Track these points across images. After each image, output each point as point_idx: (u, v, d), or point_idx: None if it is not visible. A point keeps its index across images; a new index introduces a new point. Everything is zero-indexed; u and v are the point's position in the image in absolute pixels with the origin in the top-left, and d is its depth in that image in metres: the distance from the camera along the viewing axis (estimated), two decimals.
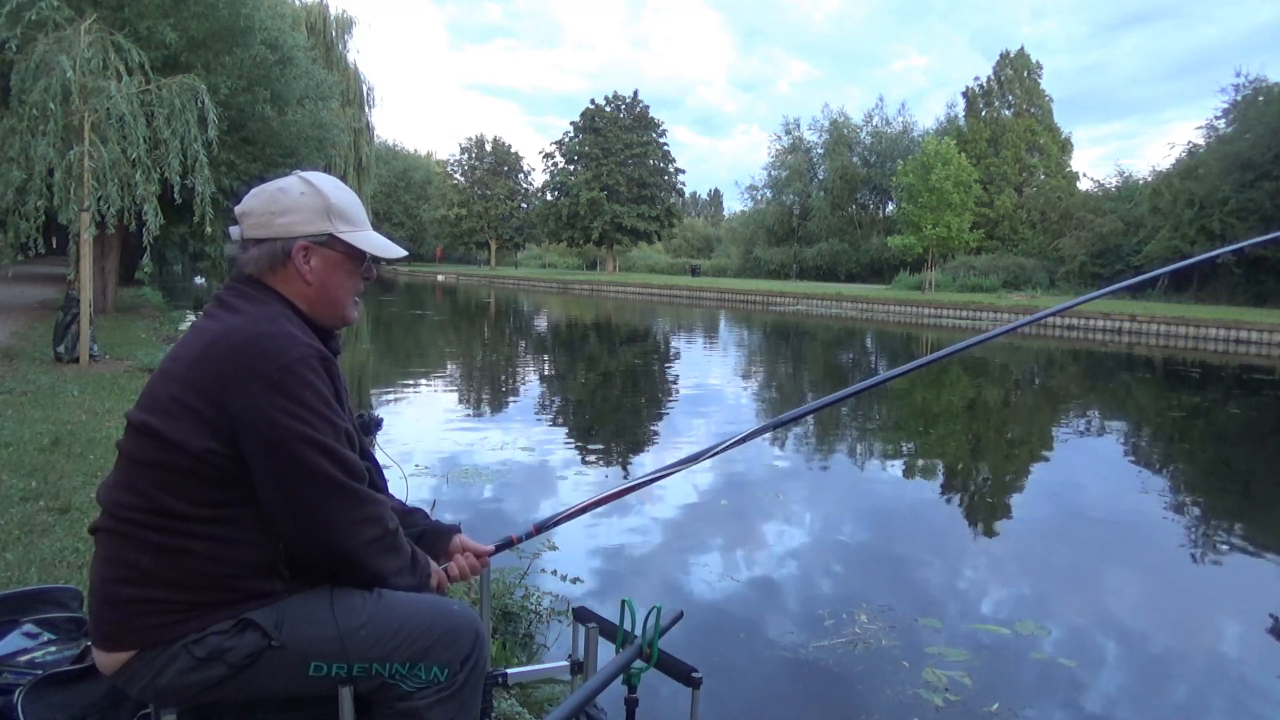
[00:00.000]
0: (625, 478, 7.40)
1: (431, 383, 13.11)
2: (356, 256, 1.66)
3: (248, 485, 1.45)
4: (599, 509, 2.11)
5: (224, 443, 1.42)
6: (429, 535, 1.87)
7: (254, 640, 1.45)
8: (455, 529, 1.91)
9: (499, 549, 1.94)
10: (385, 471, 1.80)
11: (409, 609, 1.56)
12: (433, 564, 1.71)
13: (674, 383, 14.10)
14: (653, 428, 9.96)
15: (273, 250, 1.58)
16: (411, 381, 12.96)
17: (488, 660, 1.64)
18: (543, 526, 2.02)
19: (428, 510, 1.96)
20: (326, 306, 1.64)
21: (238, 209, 1.64)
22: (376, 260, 1.71)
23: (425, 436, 8.44)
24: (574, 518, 2.02)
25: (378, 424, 1.95)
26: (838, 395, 2.24)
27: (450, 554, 1.86)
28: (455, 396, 11.97)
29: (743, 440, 2.07)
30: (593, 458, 8.18)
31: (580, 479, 7.11)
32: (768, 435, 9.67)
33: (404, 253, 1.80)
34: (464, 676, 1.57)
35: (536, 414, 10.40)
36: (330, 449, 1.47)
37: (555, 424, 9.86)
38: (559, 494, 6.58)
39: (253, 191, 1.64)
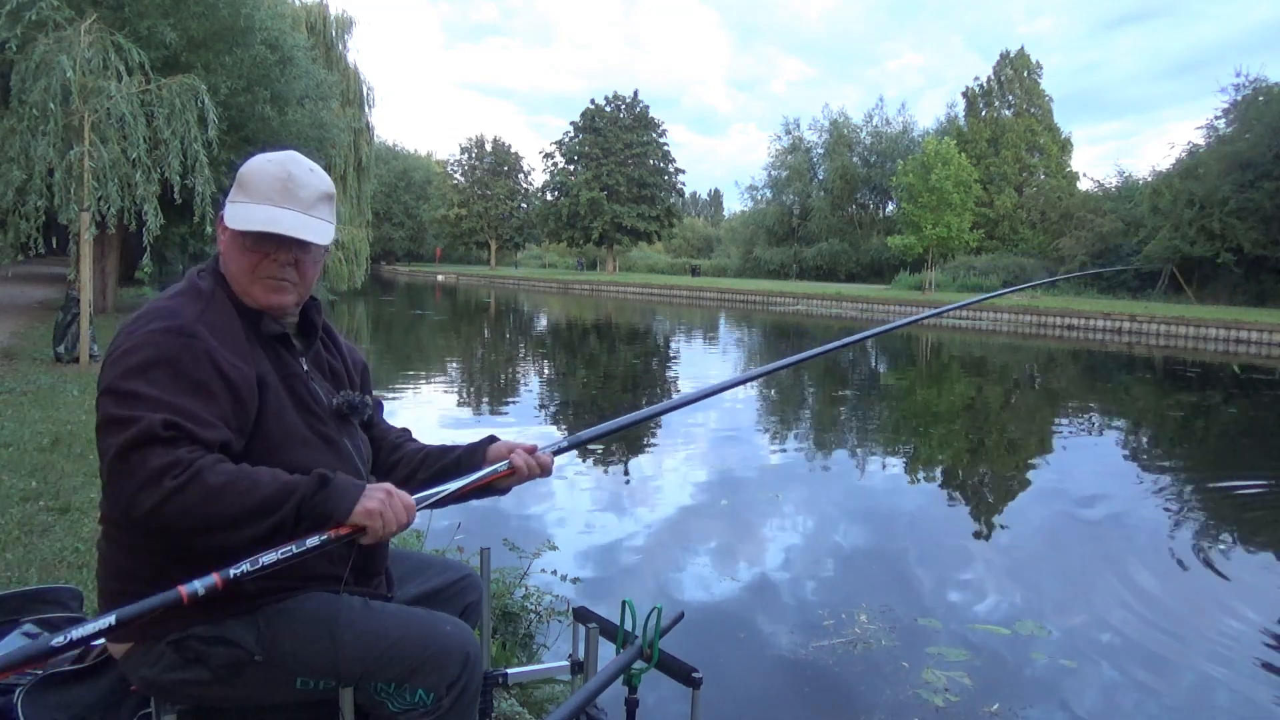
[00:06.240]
0: (626, 475, 7.41)
1: (431, 382, 13.10)
2: (250, 232, 1.46)
3: None
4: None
5: None
6: (464, 458, 1.69)
7: (234, 652, 1.41)
8: (490, 439, 1.72)
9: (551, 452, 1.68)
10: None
11: (398, 626, 1.50)
12: (370, 485, 1.38)
13: (674, 382, 14.09)
14: (652, 425, 9.95)
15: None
16: (412, 381, 12.95)
17: (479, 684, 1.56)
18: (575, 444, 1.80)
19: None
20: (239, 286, 1.50)
21: None
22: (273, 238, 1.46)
23: (424, 435, 8.41)
24: (582, 446, 1.87)
25: (357, 407, 1.70)
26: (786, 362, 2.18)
27: (493, 460, 1.63)
28: (455, 397, 11.96)
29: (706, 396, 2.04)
30: (592, 455, 8.18)
31: (580, 477, 7.11)
32: (768, 434, 9.69)
33: (307, 234, 1.47)
34: (450, 701, 1.48)
35: (535, 413, 10.40)
36: (121, 390, 1.31)
37: (555, 423, 9.86)
38: (556, 494, 6.58)
39: None
